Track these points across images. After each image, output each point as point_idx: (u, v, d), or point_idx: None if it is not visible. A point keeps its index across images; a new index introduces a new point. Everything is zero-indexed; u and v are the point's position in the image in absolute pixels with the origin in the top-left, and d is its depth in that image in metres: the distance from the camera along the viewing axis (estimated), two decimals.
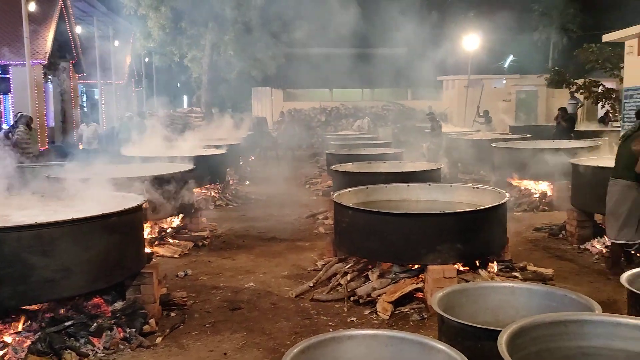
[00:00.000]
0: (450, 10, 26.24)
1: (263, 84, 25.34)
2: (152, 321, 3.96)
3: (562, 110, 12.38)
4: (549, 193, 8.25)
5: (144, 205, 4.33)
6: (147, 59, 25.52)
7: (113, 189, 4.78)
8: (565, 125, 11.82)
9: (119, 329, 3.77)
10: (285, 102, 26.17)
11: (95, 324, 3.71)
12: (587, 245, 5.90)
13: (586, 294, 2.79)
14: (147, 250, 5.66)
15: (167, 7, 17.29)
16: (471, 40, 20.93)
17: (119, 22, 20.41)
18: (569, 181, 6.68)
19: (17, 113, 12.32)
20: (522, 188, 8.67)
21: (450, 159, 11.45)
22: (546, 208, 8.01)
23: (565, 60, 23.25)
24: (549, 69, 19.67)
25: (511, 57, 30.35)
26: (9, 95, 16.16)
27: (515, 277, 4.57)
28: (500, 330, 2.15)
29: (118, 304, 3.99)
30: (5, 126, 11.12)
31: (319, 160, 14.35)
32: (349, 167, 7.77)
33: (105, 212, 3.75)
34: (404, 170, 7.21)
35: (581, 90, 16.52)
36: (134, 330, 3.80)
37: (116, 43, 21.30)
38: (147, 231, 6.22)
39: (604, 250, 5.68)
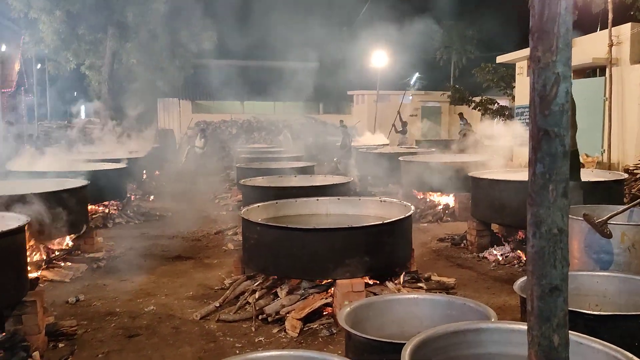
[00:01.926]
0: (360, 28, 27.26)
1: (170, 94, 24.45)
2: (35, 354, 3.54)
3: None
4: (452, 204, 8.70)
5: (26, 226, 3.86)
6: (39, 65, 23.57)
7: None
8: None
9: None
10: (194, 113, 25.47)
11: None
12: (485, 254, 6.26)
13: (484, 301, 2.90)
14: (33, 274, 5.11)
15: (63, 11, 16.09)
16: (379, 57, 21.87)
17: (6, 25, 18.65)
18: (469, 193, 7.09)
19: None
20: (428, 200, 9.08)
21: (360, 173, 11.76)
22: (449, 219, 8.43)
23: (465, 79, 25.10)
24: (450, 87, 21.11)
25: (417, 75, 32.23)
26: None
27: (421, 287, 4.71)
28: (404, 343, 2.15)
29: None
30: None
31: (229, 174, 14.05)
32: (259, 181, 7.65)
33: None
34: (314, 184, 7.22)
35: (479, 107, 17.89)
36: None
37: (3, 47, 19.47)
38: (34, 254, 5.62)
39: (500, 258, 6.07)
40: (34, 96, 23.13)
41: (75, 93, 26.61)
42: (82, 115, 26.18)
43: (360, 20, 27.86)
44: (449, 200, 8.79)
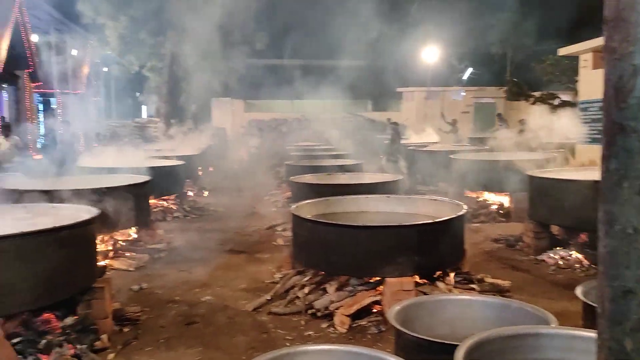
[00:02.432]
0: (411, 23, 26.85)
1: (224, 94, 25.11)
2: (104, 337, 3.80)
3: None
4: (506, 204, 8.46)
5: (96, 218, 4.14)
6: (105, 69, 24.84)
7: (66, 200, 4.57)
8: None
9: (70, 345, 3.59)
10: (245, 112, 26.00)
11: (44, 341, 3.52)
12: (543, 257, 6.03)
13: (541, 306, 2.84)
14: (102, 263, 5.46)
15: (127, 17, 16.91)
16: (430, 53, 21.46)
17: (76, 30, 19.80)
18: (526, 193, 6.88)
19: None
20: (480, 199, 8.87)
21: (410, 171, 11.63)
22: (503, 219, 8.19)
23: (523, 73, 24.17)
24: (507, 81, 20.37)
25: (470, 70, 31.28)
26: None
27: (473, 289, 4.64)
28: (457, 345, 2.16)
29: (69, 320, 3.80)
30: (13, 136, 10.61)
31: (279, 171, 14.28)
32: (308, 178, 7.75)
33: (55, 225, 3.57)
34: (363, 182, 7.24)
35: (538, 103, 17.17)
36: (85, 346, 3.62)
37: (74, 52, 20.65)
38: (102, 244, 5.99)
39: (560, 262, 5.85)
40: (101, 97, 24.42)
41: (138, 94, 27.85)
42: (144, 114, 27.36)
43: (411, 15, 27.46)
44: (503, 199, 8.56)
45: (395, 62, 24.09)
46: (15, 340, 3.44)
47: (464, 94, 25.53)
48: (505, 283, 4.97)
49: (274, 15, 18.98)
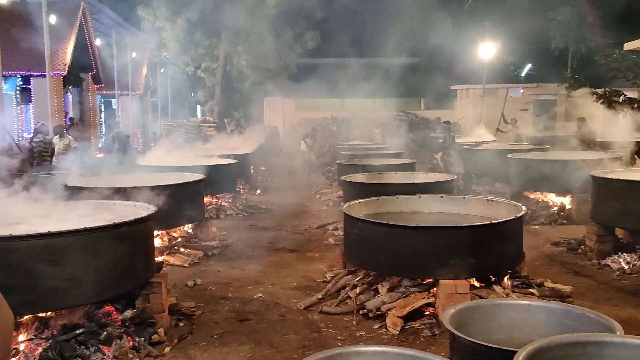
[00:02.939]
0: (466, 19, 26.11)
1: (275, 93, 25.48)
2: (160, 331, 3.93)
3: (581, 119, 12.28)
4: (567, 206, 8.08)
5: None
6: (162, 70, 25.84)
7: (124, 198, 4.77)
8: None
9: (129, 337, 3.74)
10: (296, 111, 26.23)
11: (105, 333, 3.68)
12: (608, 261, 5.73)
13: (605, 313, 2.69)
14: (158, 259, 5.66)
15: (183, 19, 17.51)
16: (487, 49, 20.77)
17: (136, 34, 20.72)
18: (588, 194, 6.53)
19: (37, 122, 12.56)
20: (540, 200, 8.51)
21: (465, 170, 11.31)
22: (565, 221, 7.83)
23: (585, 70, 22.96)
24: (568, 77, 19.38)
25: (529, 66, 30.00)
26: (30, 105, 16.45)
27: (532, 293, 4.45)
28: (515, 351, 2.07)
29: (128, 313, 3.96)
30: (26, 135, 11.35)
31: (329, 170, 14.31)
32: (360, 177, 7.71)
33: (115, 221, 3.74)
34: (416, 182, 7.12)
35: (602, 100, 16.25)
36: (142, 339, 3.77)
37: (133, 54, 21.62)
38: (158, 240, 6.22)
39: (626, 267, 5.52)
40: (158, 98, 25.44)
41: (192, 94, 28.76)
42: (198, 114, 28.25)
43: (467, 11, 26.72)
44: (564, 201, 8.16)
45: (449, 58, 23.52)
46: (78, 332, 3.63)
47: (522, 91, 24.54)
48: (567, 288, 4.73)
49: (326, 14, 19.04)
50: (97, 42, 18.99)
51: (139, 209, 4.24)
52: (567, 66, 27.70)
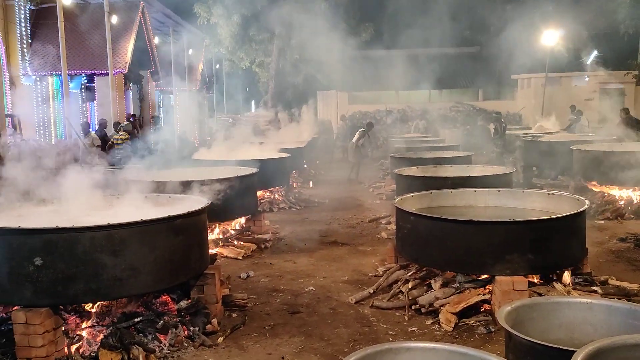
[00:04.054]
0: (527, 4, 24.89)
1: (328, 87, 25.47)
2: (214, 321, 4.05)
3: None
4: (635, 200, 7.57)
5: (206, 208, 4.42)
6: (217, 66, 26.51)
7: (179, 191, 4.94)
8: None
9: (184, 327, 3.88)
10: (350, 104, 26.12)
11: (161, 322, 3.84)
12: None
13: None
14: (212, 251, 5.83)
15: (238, 15, 17.84)
16: (549, 36, 19.73)
17: (192, 31, 21.36)
18: None
19: (100, 119, 13.26)
20: (606, 194, 8.03)
21: (525, 163, 10.86)
22: (632, 216, 7.38)
23: None
24: (638, 65, 18.10)
25: (595, 53, 28.25)
26: (94, 102, 17.38)
27: (595, 291, 4.22)
28: (575, 351, 1.97)
29: (183, 303, 4.10)
30: (91, 131, 12.01)
31: (383, 163, 14.17)
32: (413, 170, 7.57)
33: (171, 214, 3.87)
34: (471, 175, 6.90)
35: None
36: (197, 329, 3.90)
37: (190, 51, 22.31)
38: (213, 232, 6.40)
39: None
40: (214, 93, 26.16)
41: (247, 89, 29.34)
42: (253, 109, 28.81)
43: None
44: (632, 195, 7.64)
45: (509, 46, 22.54)
46: (136, 320, 3.80)
47: (588, 79, 23.14)
48: (633, 286, 4.45)
49: (379, 5, 18.81)
50: (156, 40, 19.74)
51: (194, 202, 4.37)
52: (637, 53, 25.78)
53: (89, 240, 3.53)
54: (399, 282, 4.75)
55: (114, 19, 15.62)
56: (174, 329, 3.76)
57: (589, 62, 26.66)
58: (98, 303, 3.88)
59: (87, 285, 3.53)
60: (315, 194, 10.56)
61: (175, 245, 3.86)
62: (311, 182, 12.00)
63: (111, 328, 3.70)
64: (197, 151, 9.72)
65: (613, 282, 4.55)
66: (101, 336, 3.69)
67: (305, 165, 13.13)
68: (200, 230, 4.19)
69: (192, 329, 3.85)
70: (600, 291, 4.23)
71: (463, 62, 25.00)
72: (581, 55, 24.19)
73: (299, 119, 17.25)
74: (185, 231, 3.94)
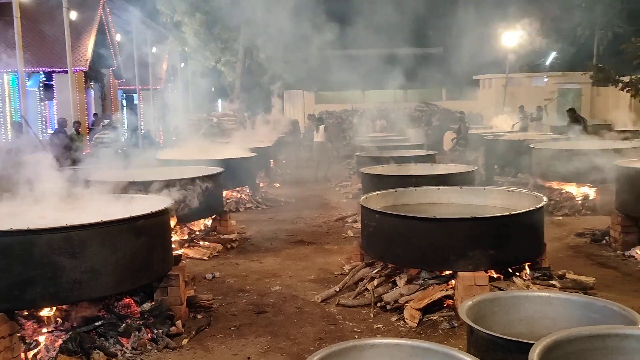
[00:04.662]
0: (488, 7, 25.55)
1: (295, 86, 25.43)
2: (178, 323, 3.98)
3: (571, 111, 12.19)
4: (591, 196, 7.88)
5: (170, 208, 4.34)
6: (182, 64, 26.06)
7: (141, 191, 4.83)
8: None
9: (147, 329, 3.79)
10: (317, 104, 26.17)
11: (124, 325, 3.75)
12: (632, 252, 5.59)
13: (630, 305, 2.62)
14: (177, 252, 5.73)
15: (202, 13, 17.58)
16: (510, 37, 20.35)
17: (155, 29, 20.90)
18: (612, 184, 6.35)
19: (59, 118, 12.83)
20: (563, 191, 8.32)
21: (486, 161, 11.14)
22: (589, 212, 7.66)
23: (611, 57, 22.28)
24: (593, 66, 18.87)
25: (553, 54, 29.26)
26: (53, 101, 16.79)
27: (553, 285, 4.36)
28: (533, 344, 2.03)
29: (146, 305, 4.01)
30: (49, 131, 11.62)
31: (350, 162, 14.25)
32: (379, 169, 7.66)
33: (132, 215, 3.78)
34: (435, 173, 7.03)
35: (627, 88, 15.78)
36: (161, 331, 3.82)
37: (153, 49, 21.83)
38: (177, 233, 6.29)
39: None
40: (179, 92, 25.69)
41: (213, 88, 28.95)
42: (219, 108, 28.42)
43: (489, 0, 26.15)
44: (588, 191, 7.96)
45: (471, 48, 23.08)
46: (97, 323, 3.69)
47: (547, 79, 23.97)
48: (590, 280, 4.62)
49: (345, 6, 18.90)
50: (118, 37, 19.22)
51: (157, 203, 4.28)
52: (593, 54, 26.91)
53: (46, 243, 3.41)
54: (365, 280, 4.79)
55: (74, 15, 15.13)
56: (137, 332, 3.67)
57: (547, 63, 27.62)
58: (57, 307, 3.75)
59: (44, 289, 3.41)
60: (282, 193, 10.52)
61: (138, 246, 3.77)
62: (278, 181, 11.95)
63: (71, 333, 3.59)
64: (162, 151, 9.53)
65: (570, 276, 4.71)
66: (60, 341, 3.57)
67: (272, 165, 13.06)
68: (163, 231, 4.11)
69: (155, 331, 3.77)
70: (558, 285, 4.38)
71: (427, 62, 25.38)
72: (540, 56, 25.06)
73: (266, 118, 17.15)
74: (148, 232, 3.86)
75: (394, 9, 19.69)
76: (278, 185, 11.63)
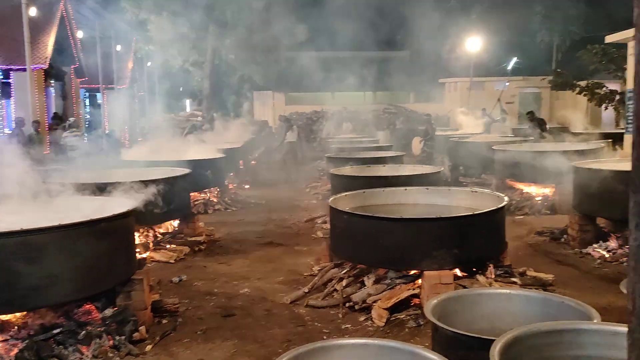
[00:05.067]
0: (453, 13, 26.14)
1: (265, 87, 25.34)
2: (142, 328, 3.89)
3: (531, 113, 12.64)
4: (551, 196, 8.14)
5: (134, 211, 4.25)
6: (149, 63, 25.57)
7: (105, 193, 4.71)
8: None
9: (109, 336, 3.69)
10: (287, 105, 26.15)
11: (84, 332, 3.63)
12: (589, 250, 5.80)
13: (586, 301, 2.70)
14: (143, 255, 5.62)
15: (169, 12, 17.30)
16: (473, 42, 20.90)
17: (120, 26, 20.43)
18: (571, 184, 6.58)
19: (17, 118, 12.38)
20: (524, 191, 8.57)
21: (452, 162, 11.36)
22: (548, 212, 7.90)
23: (569, 62, 23.17)
24: (552, 71, 19.58)
25: (514, 59, 30.21)
26: (11, 99, 16.19)
27: (514, 282, 4.48)
28: (494, 340, 2.08)
29: (108, 311, 3.91)
30: (7, 131, 11.21)
31: (320, 163, 14.28)
32: (348, 170, 7.71)
33: (93, 217, 3.68)
34: (402, 174, 7.13)
35: (584, 92, 16.42)
36: (123, 337, 3.73)
37: (118, 47, 21.32)
38: (144, 236, 6.17)
39: (607, 255, 5.58)
40: (145, 92, 25.18)
41: (181, 88, 28.51)
42: (187, 108, 28.02)
43: (454, 5, 26.75)
44: (548, 191, 8.22)
45: (437, 52, 23.56)
46: (56, 331, 3.57)
47: (508, 84, 24.71)
48: (549, 277, 4.78)
49: (315, 7, 18.96)
50: (80, 34, 18.68)
51: (120, 205, 4.19)
52: (552, 59, 27.95)
53: (1, 248, 3.28)
54: (334, 281, 4.80)
55: (33, 11, 14.63)
56: (98, 339, 3.57)
57: (509, 68, 28.48)
58: (13, 315, 3.61)
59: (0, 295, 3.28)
60: (251, 194, 10.46)
61: (99, 250, 3.67)
62: (248, 182, 11.87)
63: (27, 341, 3.46)
64: (127, 152, 9.33)
65: (531, 273, 4.85)
66: (16, 350, 3.44)
67: (241, 166, 12.97)
68: (126, 234, 4.02)
69: (117, 338, 3.68)
70: (519, 282, 4.50)
71: (396, 65, 25.76)
72: (502, 61, 25.83)
73: (236, 119, 17.02)
74: (110, 235, 3.76)
75: (364, 12, 19.89)
76: (248, 186, 11.55)
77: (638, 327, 1.08)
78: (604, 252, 5.62)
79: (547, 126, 12.59)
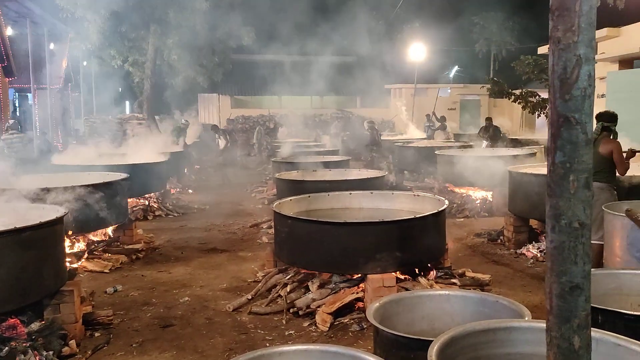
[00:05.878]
0: (397, 21, 26.86)
1: (210, 90, 24.86)
2: (72, 343, 3.66)
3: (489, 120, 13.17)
4: (489, 199, 8.47)
5: (65, 218, 4.00)
6: (85, 63, 24.41)
7: (33, 200, 4.42)
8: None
9: (35, 352, 3.44)
10: (233, 108, 25.81)
11: (7, 348, 3.37)
12: (523, 250, 6.07)
13: (519, 299, 2.81)
14: (75, 265, 5.31)
15: (107, 10, 16.59)
16: (417, 50, 21.53)
17: (54, 24, 19.38)
18: (506, 187, 6.87)
19: None
20: (465, 195, 8.87)
21: (397, 167, 11.60)
22: (486, 214, 8.21)
23: (505, 72, 24.37)
24: (489, 80, 20.52)
25: (456, 68, 31.50)
26: None
27: (454, 283, 4.60)
28: (432, 340, 2.10)
29: (35, 325, 3.66)
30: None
31: (266, 168, 14.17)
32: (293, 175, 7.67)
33: (17, 225, 3.43)
34: (348, 178, 7.18)
35: (519, 100, 17.27)
36: (51, 353, 3.49)
37: (51, 46, 20.21)
38: (76, 245, 5.84)
39: (539, 255, 5.85)
40: (81, 93, 23.99)
41: (120, 89, 27.43)
42: (127, 110, 26.97)
43: (398, 13, 27.47)
44: (486, 195, 8.56)
45: (383, 58, 24.07)
46: None
47: (450, 91, 25.68)
48: (486, 277, 4.95)
49: (261, 10, 18.82)
50: (9, 31, 17.54)
51: (48, 212, 3.93)
52: (490, 68, 29.40)
53: None
54: (278, 287, 4.74)
55: None
56: (23, 356, 3.32)
57: (451, 75, 29.61)
58: None
59: None
60: (195, 200, 10.19)
61: (24, 261, 3.42)
62: (191, 187, 11.56)
63: None
64: (60, 155, 8.83)
65: (469, 274, 5.01)
66: None
67: (185, 171, 12.62)
68: (55, 243, 3.77)
69: (45, 353, 3.44)
70: (458, 283, 4.63)
71: (342, 70, 26.05)
72: (444, 69, 26.85)
73: (178, 122, 16.55)
74: (36, 245, 3.52)
75: (312, 16, 19.98)
76: (191, 191, 11.25)
77: (555, 325, 1.10)
78: (537, 252, 5.90)
79: (502, 133, 13.11)
